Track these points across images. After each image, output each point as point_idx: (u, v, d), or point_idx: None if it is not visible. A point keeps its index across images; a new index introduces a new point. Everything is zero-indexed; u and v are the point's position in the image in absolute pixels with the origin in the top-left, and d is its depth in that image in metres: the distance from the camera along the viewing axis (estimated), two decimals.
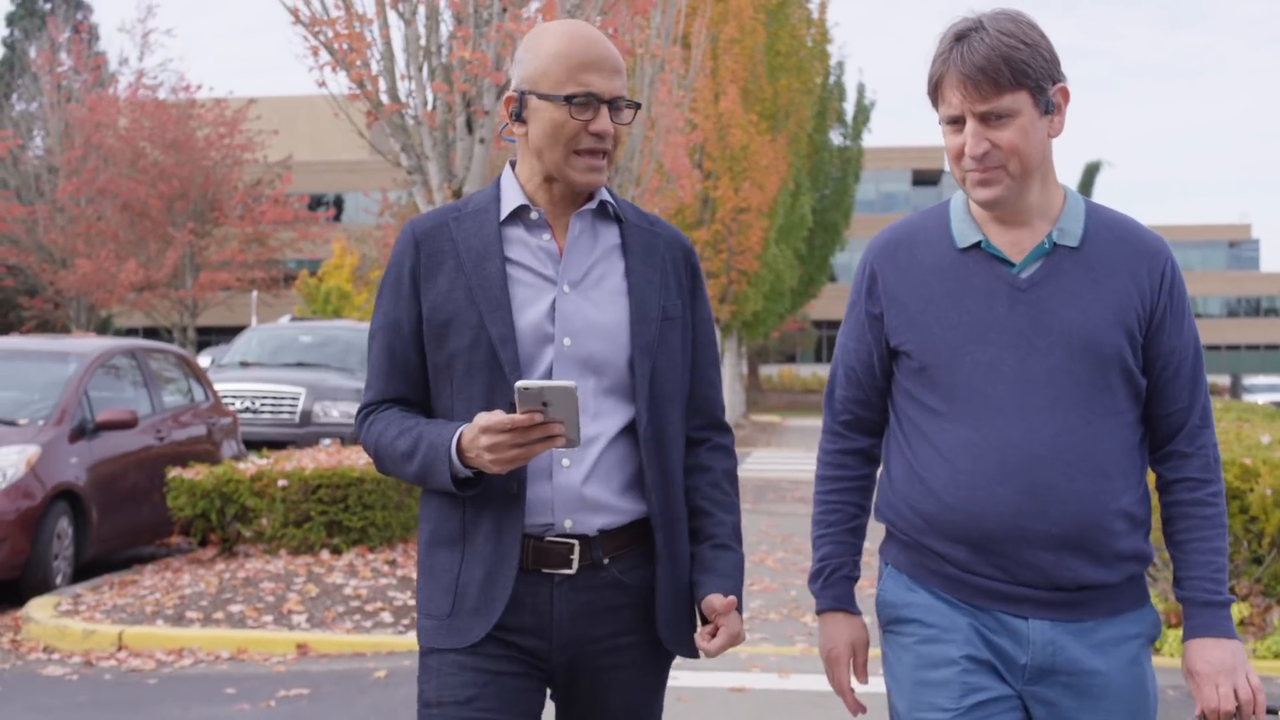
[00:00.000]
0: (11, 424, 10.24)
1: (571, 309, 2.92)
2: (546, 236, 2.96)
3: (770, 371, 68.15)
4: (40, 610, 9.04)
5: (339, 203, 65.55)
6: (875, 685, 3.25)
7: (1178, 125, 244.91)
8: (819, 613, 3.10)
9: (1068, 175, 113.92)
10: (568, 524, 2.88)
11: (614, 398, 2.92)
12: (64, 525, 10.13)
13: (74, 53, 44.03)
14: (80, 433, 10.50)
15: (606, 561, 2.91)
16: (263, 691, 7.35)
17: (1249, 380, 61.63)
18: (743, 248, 31.69)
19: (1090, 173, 66.79)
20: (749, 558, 11.68)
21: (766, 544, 13.02)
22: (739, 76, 30.05)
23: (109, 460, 10.73)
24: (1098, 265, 2.90)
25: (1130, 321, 2.88)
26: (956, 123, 2.83)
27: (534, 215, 2.96)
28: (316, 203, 50.32)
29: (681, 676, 7.39)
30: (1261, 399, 53.11)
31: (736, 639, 2.93)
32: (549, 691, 3.02)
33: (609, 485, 2.92)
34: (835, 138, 43.58)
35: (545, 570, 2.87)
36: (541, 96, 2.88)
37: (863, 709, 3.11)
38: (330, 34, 10.88)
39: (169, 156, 42.88)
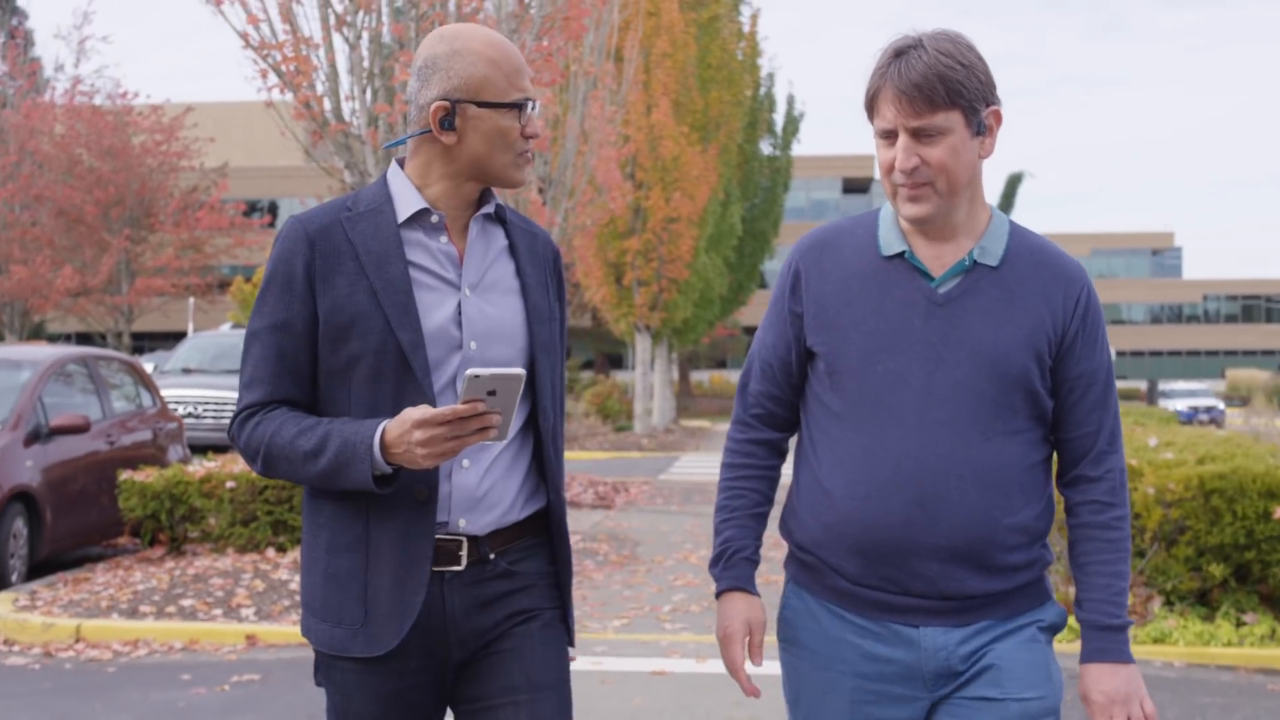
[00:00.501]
0: None
1: (475, 312, 2.94)
2: (445, 239, 2.96)
3: (701, 377, 68.92)
4: (1, 605, 9.53)
5: (274, 209, 65.49)
6: (770, 668, 3.39)
7: (1105, 133, 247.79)
8: (718, 594, 3.10)
9: (991, 185, 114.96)
10: (461, 523, 2.90)
11: None
12: (19, 526, 10.61)
13: (8, 58, 43.94)
14: (35, 437, 10.98)
15: (493, 556, 2.94)
16: (216, 677, 7.90)
17: (1167, 386, 62.79)
18: (673, 256, 32.41)
19: (1012, 184, 67.84)
20: (684, 558, 12.38)
21: (691, 543, 13.59)
22: (670, 89, 30.76)
23: (62, 464, 11.20)
24: (1014, 286, 2.93)
25: (1040, 344, 2.91)
26: (889, 136, 2.88)
27: (434, 219, 2.96)
28: (251, 208, 50.35)
29: (605, 662, 8.02)
30: (1178, 404, 54.30)
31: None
32: (452, 685, 3.05)
33: (506, 484, 2.95)
34: (765, 148, 44.28)
35: (435, 569, 2.88)
36: (484, 105, 2.89)
37: (756, 693, 3.08)
38: (279, 57, 11.43)
39: (105, 163, 42.86)
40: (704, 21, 33.57)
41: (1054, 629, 3.01)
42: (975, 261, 2.92)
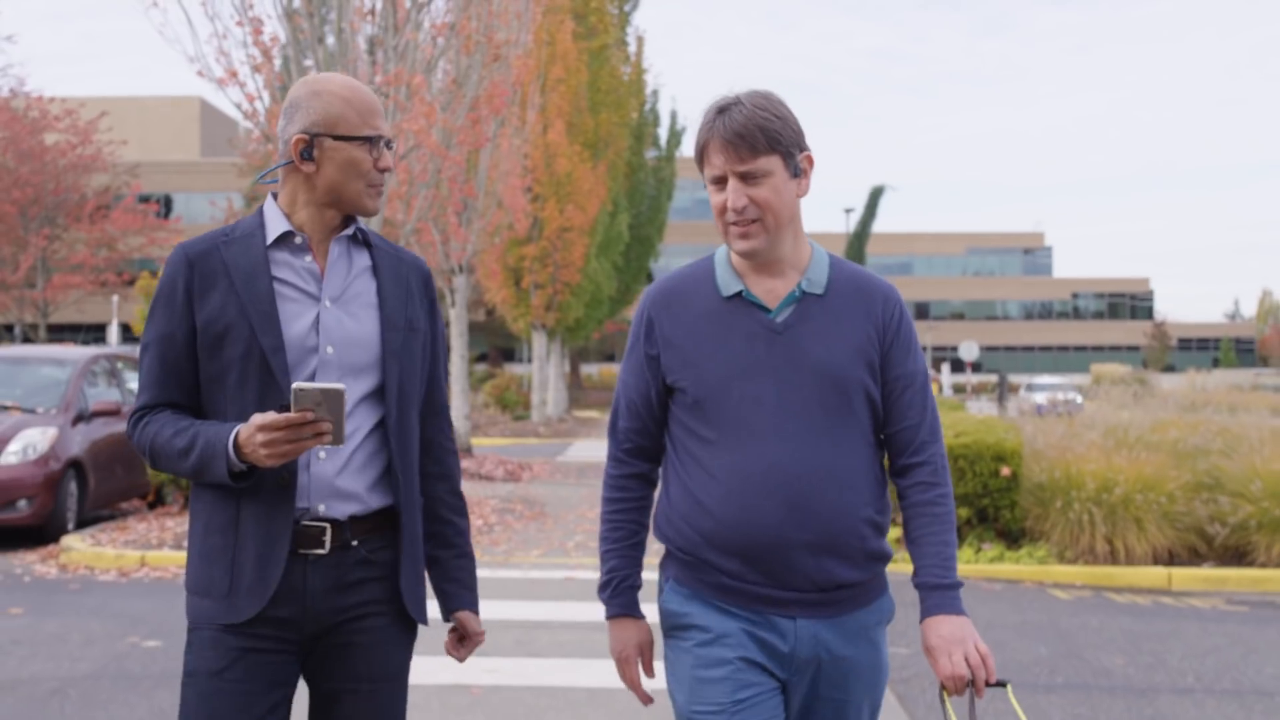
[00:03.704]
0: (32, 412, 13.91)
1: (333, 321, 3.16)
2: (309, 259, 3.19)
3: (591, 370, 72.30)
4: (76, 543, 12.78)
5: (168, 202, 66.26)
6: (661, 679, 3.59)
7: (983, 131, 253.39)
8: (609, 618, 3.38)
9: (858, 197, 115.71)
10: (321, 509, 3.12)
11: (367, 401, 3.18)
12: (73, 487, 13.81)
13: None
14: (80, 418, 14.15)
15: (355, 543, 3.16)
16: None
17: (1032, 380, 66.40)
18: (566, 262, 35.78)
19: (874, 196, 70.49)
20: (582, 514, 15.88)
21: (586, 504, 17.17)
22: (564, 111, 33.78)
23: (101, 440, 14.34)
24: (840, 309, 3.21)
25: (870, 354, 3.21)
26: (720, 182, 3.14)
27: (298, 240, 3.18)
28: (144, 201, 51.38)
29: (532, 573, 11.50)
30: (1039, 397, 58.26)
31: (479, 642, 3.43)
32: (301, 669, 3.23)
33: (361, 478, 3.18)
34: (650, 160, 47.47)
35: (301, 551, 3.11)
36: (339, 138, 3.14)
37: (650, 700, 3.38)
38: (241, 96, 14.67)
39: (23, 165, 44.66)
40: (595, 50, 36.71)
41: (888, 621, 3.34)
42: (804, 291, 3.21)
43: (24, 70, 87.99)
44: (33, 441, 13.29)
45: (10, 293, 46.02)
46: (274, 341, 3.09)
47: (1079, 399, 61.26)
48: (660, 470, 3.40)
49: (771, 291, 3.21)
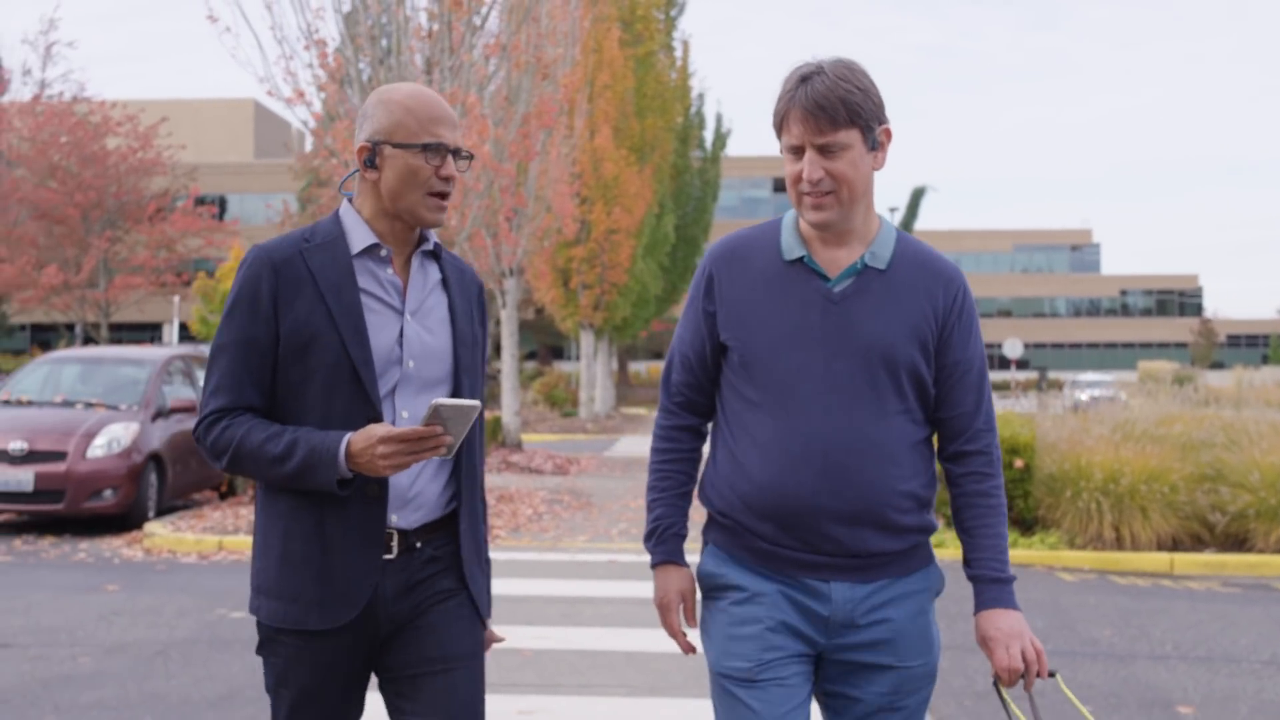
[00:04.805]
0: (115, 409, 15.00)
1: (414, 335, 3.18)
2: (390, 271, 3.20)
3: (639, 368, 73.12)
4: (159, 529, 13.87)
5: (223, 203, 66.86)
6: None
7: (1032, 127, 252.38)
8: (653, 566, 3.38)
9: (898, 197, 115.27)
10: (393, 519, 3.16)
11: None
12: (153, 478, 14.90)
13: None
14: (158, 414, 15.23)
15: (419, 545, 3.21)
16: None
17: (1075, 377, 66.75)
18: (614, 263, 36.79)
19: (916, 197, 70.45)
20: (626, 504, 16.93)
21: (630, 495, 18.23)
22: (611, 117, 34.69)
23: (178, 435, 15.40)
24: (900, 286, 3.19)
25: (924, 335, 3.18)
26: (797, 151, 3.11)
27: (383, 253, 3.20)
28: (198, 203, 52.23)
29: (579, 556, 12.47)
30: (1081, 393, 58.77)
31: (491, 645, 3.45)
32: (375, 665, 3.29)
33: (433, 485, 3.23)
34: (696, 162, 48.30)
35: None
36: (397, 145, 3.14)
37: (692, 649, 3.35)
38: (308, 114, 15.73)
39: (85, 169, 45.46)
40: (640, 56, 37.65)
41: (937, 594, 3.32)
42: (866, 265, 3.18)
43: (84, 75, 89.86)
44: (117, 436, 14.38)
45: (73, 293, 47.02)
46: (363, 354, 3.10)
47: (1122, 396, 61.73)
48: (710, 436, 3.41)
49: (834, 261, 3.20)
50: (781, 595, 3.18)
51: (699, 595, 3.38)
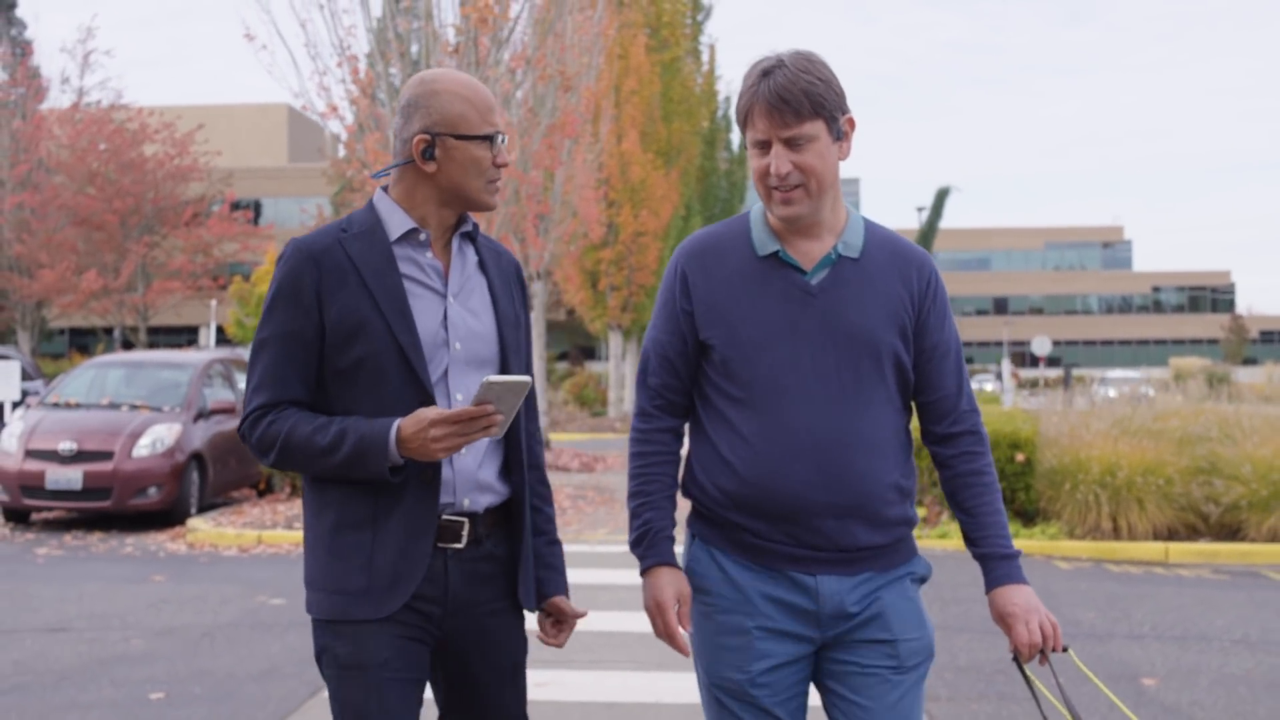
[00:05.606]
0: (158, 410, 15.72)
1: (458, 317, 3.19)
2: (430, 255, 3.21)
3: None
4: (201, 524, 14.58)
5: (257, 208, 67.27)
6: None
7: (1065, 123, 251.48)
8: (644, 571, 3.30)
9: (923, 196, 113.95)
10: (465, 503, 3.15)
11: None
12: (195, 477, 15.62)
13: (21, 70, 46.45)
14: (200, 415, 15.95)
15: (485, 537, 3.21)
16: None
17: (1106, 374, 66.85)
18: (641, 265, 37.43)
19: (940, 197, 70.30)
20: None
21: None
22: (638, 121, 35.29)
23: (218, 435, 16.12)
24: (875, 274, 3.21)
25: (903, 320, 3.21)
26: (763, 146, 3.12)
27: (422, 237, 3.20)
28: (234, 208, 52.77)
29: (599, 548, 13.11)
30: (1110, 389, 58.93)
31: (574, 625, 3.40)
32: (437, 663, 3.27)
33: (492, 468, 3.22)
34: (723, 164, 48.77)
35: (440, 545, 3.13)
36: (460, 137, 3.14)
37: (688, 652, 3.30)
38: (340, 127, 16.42)
39: (124, 176, 46.18)
40: (667, 62, 38.25)
41: (923, 580, 3.32)
42: (840, 255, 3.18)
43: (120, 82, 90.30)
44: (160, 436, 15.10)
45: (112, 297, 47.71)
46: (410, 338, 3.08)
47: (1150, 392, 61.76)
48: (688, 427, 3.37)
49: (807, 254, 3.20)
50: (766, 599, 3.20)
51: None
